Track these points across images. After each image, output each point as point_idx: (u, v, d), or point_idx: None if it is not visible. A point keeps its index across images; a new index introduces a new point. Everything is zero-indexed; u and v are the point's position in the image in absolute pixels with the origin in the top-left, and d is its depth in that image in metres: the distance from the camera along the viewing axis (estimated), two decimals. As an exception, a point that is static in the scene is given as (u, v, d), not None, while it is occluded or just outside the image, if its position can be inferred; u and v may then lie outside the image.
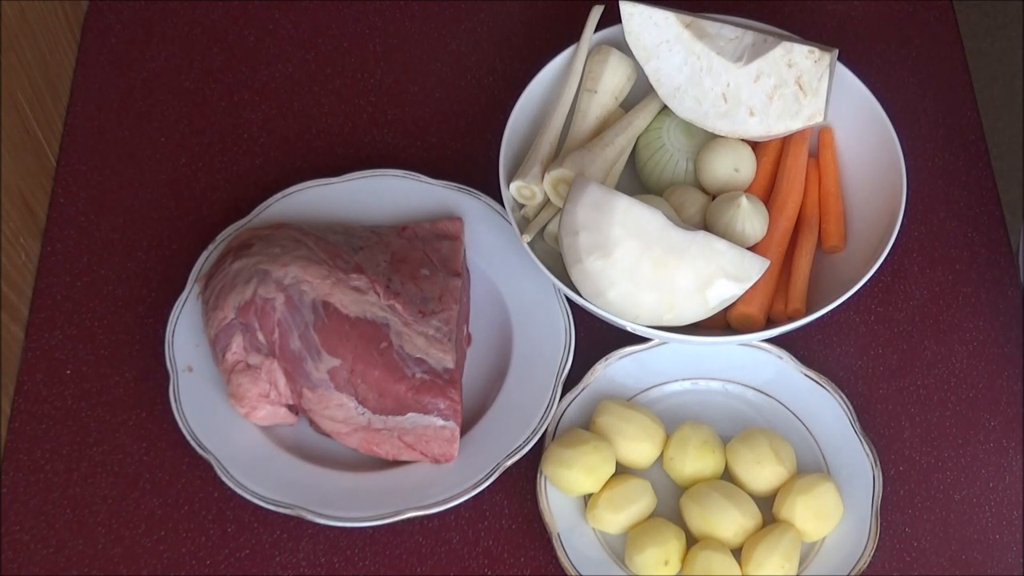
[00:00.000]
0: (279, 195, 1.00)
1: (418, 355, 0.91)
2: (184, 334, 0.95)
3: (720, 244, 0.88)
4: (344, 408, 0.90)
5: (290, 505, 0.88)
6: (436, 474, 0.90)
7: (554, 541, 0.88)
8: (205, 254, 0.98)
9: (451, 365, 0.91)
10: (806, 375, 0.95)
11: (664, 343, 0.96)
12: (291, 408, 0.92)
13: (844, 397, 0.94)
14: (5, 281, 0.94)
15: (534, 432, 0.91)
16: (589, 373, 0.95)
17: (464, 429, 0.92)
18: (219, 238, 0.98)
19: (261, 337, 0.90)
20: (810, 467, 0.92)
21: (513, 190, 0.96)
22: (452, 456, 0.90)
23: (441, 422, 0.90)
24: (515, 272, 0.98)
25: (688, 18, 0.97)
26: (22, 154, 0.98)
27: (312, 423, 0.92)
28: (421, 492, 0.89)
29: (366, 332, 0.91)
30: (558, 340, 0.95)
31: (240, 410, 0.90)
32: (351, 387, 0.90)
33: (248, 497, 0.88)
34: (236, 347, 0.90)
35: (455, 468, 0.90)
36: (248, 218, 0.99)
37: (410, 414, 0.90)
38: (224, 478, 0.89)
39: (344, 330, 0.90)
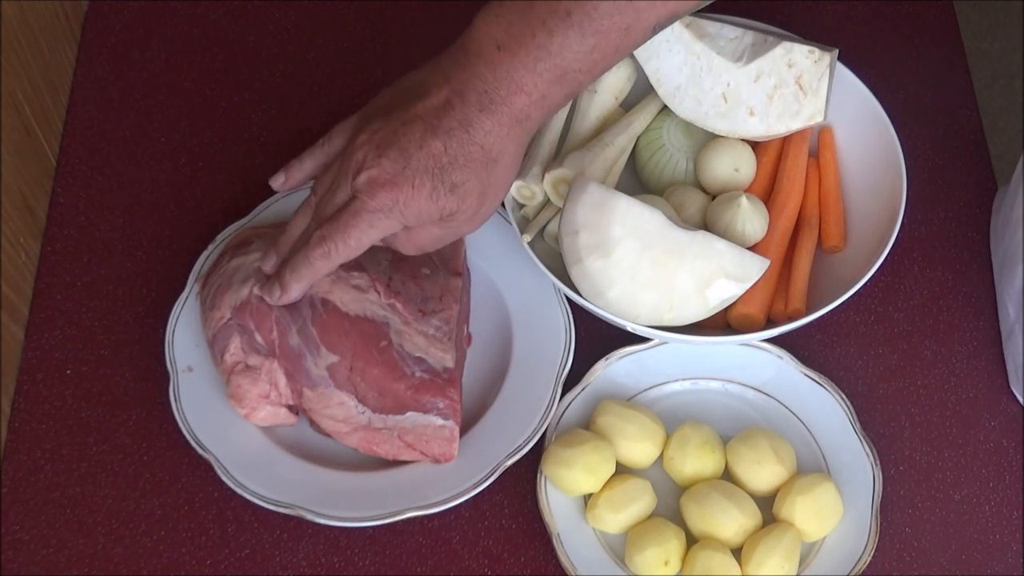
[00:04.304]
0: (279, 195, 1.00)
1: (418, 354, 0.91)
2: (184, 334, 0.94)
3: (720, 244, 0.88)
4: (344, 407, 0.90)
5: (290, 505, 0.88)
6: (436, 474, 0.90)
7: (554, 541, 0.88)
8: (205, 254, 0.98)
9: (451, 364, 0.91)
10: (806, 375, 0.95)
11: (664, 343, 0.96)
12: (291, 408, 0.92)
13: (844, 397, 0.94)
14: (5, 281, 0.94)
15: (534, 432, 0.91)
16: (589, 373, 0.95)
17: (464, 429, 0.92)
18: (219, 238, 0.98)
19: (259, 338, 0.90)
20: (810, 467, 0.92)
21: (513, 190, 0.96)
22: (452, 456, 0.90)
23: (441, 421, 0.90)
24: (515, 272, 0.98)
25: (688, 18, 0.97)
26: (22, 154, 0.98)
27: (312, 423, 0.92)
28: (421, 492, 0.89)
29: (366, 330, 0.91)
30: (558, 340, 0.95)
31: (240, 411, 0.90)
32: (351, 385, 0.90)
33: (248, 497, 0.88)
34: (234, 348, 0.90)
35: (455, 468, 0.90)
36: (248, 218, 0.99)
37: (409, 413, 0.90)
38: (224, 478, 0.89)
39: (343, 327, 0.90)
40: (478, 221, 0.87)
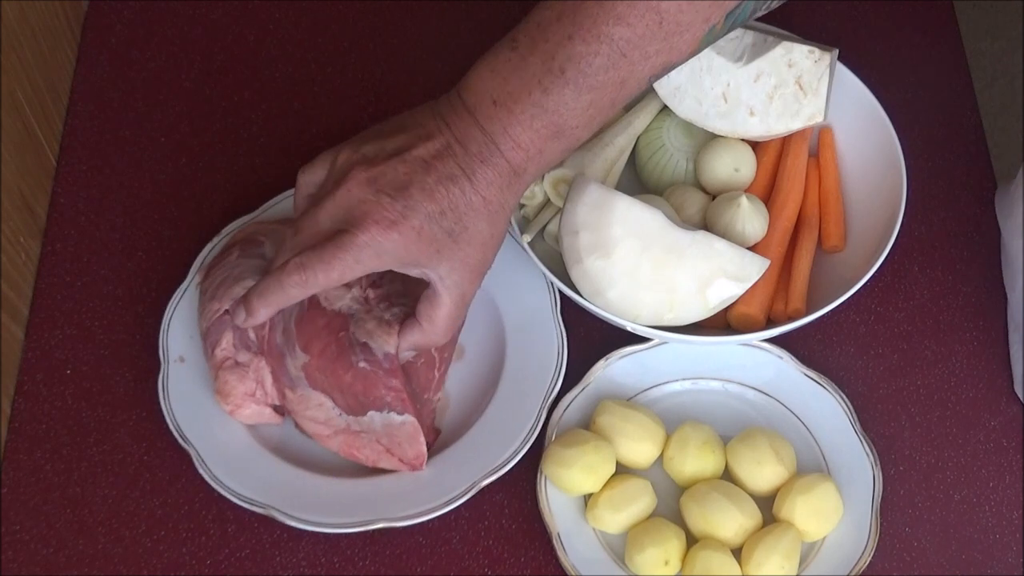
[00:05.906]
0: (282, 195, 1.00)
1: (363, 339, 0.90)
2: (180, 324, 0.94)
3: (720, 244, 0.88)
4: (323, 408, 0.90)
5: (263, 505, 0.87)
6: (413, 486, 0.89)
7: (554, 541, 0.88)
8: (209, 246, 0.97)
9: (392, 351, 0.90)
10: (806, 375, 0.95)
11: (664, 343, 0.96)
12: (277, 409, 0.92)
13: (844, 397, 0.94)
14: (5, 281, 0.94)
15: (514, 453, 0.90)
16: (589, 373, 0.95)
17: (446, 444, 0.91)
18: (225, 231, 0.98)
19: (252, 334, 0.90)
20: (810, 467, 0.92)
21: (513, 190, 0.96)
22: (422, 455, 0.89)
23: (399, 417, 0.89)
24: (514, 282, 0.97)
25: (688, 18, 0.97)
26: (22, 154, 0.98)
27: (297, 424, 0.92)
28: (395, 504, 0.88)
29: (332, 323, 0.90)
30: (550, 360, 0.93)
31: (225, 407, 0.90)
32: (321, 384, 0.90)
33: (224, 493, 0.88)
34: (226, 343, 0.90)
35: (431, 482, 0.89)
36: (255, 214, 0.99)
37: (371, 413, 0.89)
38: (202, 472, 0.88)
39: (318, 324, 0.90)
40: (481, 272, 0.86)
